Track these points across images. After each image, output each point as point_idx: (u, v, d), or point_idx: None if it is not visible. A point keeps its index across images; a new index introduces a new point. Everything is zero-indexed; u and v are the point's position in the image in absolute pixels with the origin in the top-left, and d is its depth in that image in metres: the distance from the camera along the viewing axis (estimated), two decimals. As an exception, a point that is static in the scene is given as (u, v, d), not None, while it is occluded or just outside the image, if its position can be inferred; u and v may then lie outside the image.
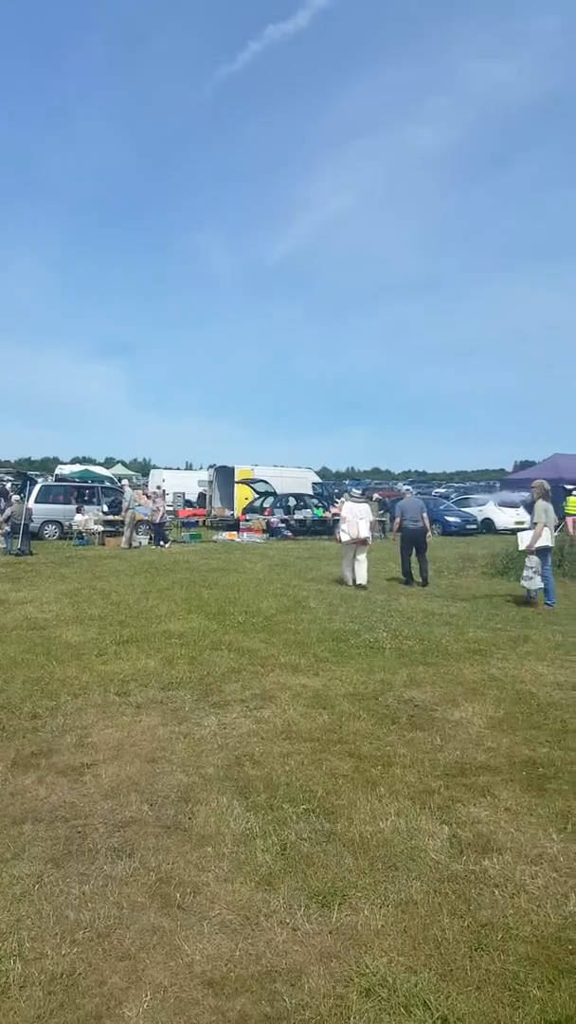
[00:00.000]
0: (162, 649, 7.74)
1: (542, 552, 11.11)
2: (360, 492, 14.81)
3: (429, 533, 13.68)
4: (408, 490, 16.66)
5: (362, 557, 12.98)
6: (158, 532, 20.62)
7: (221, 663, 7.21)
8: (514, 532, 25.75)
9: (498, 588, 13.16)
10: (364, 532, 12.76)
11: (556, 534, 15.01)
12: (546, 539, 11.04)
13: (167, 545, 20.27)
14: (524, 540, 11.44)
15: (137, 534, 21.00)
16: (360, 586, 12.75)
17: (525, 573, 11.00)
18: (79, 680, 6.53)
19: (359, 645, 8.13)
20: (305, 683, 6.57)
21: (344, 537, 12.91)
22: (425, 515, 13.51)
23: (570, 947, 2.86)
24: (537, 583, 10.89)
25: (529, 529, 11.56)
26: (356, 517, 12.80)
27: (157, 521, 20.60)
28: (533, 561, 10.97)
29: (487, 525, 28.36)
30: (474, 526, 27.51)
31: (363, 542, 12.83)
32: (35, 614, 9.62)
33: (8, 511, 17.77)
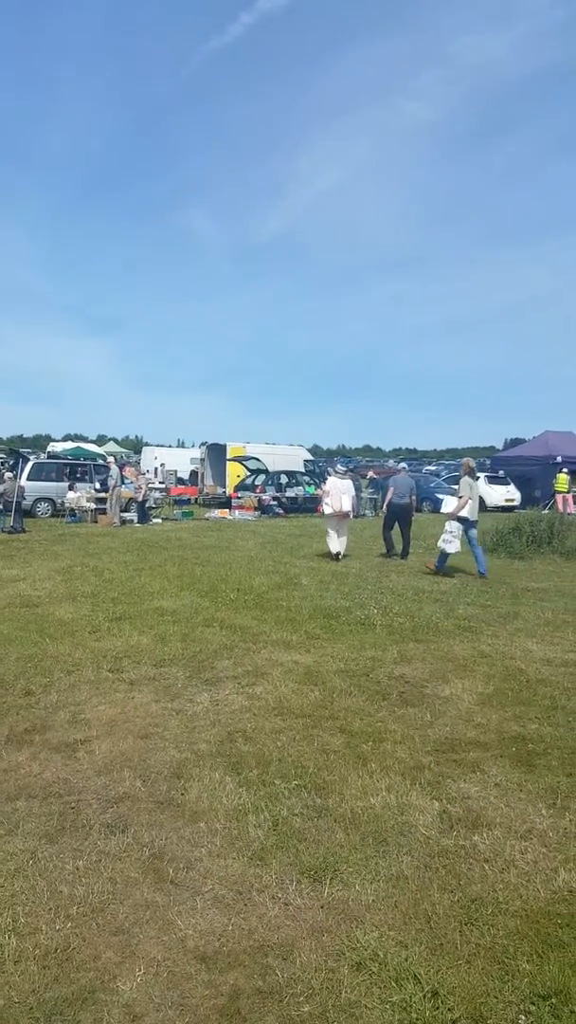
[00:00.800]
0: (155, 626, 7.75)
1: (465, 522, 11.90)
2: (344, 469, 15.34)
3: (414, 512, 14.36)
4: (403, 468, 16.95)
5: (343, 529, 13.62)
6: (140, 510, 20.56)
7: (213, 640, 7.23)
8: (504, 510, 25.95)
9: (488, 565, 13.20)
10: (346, 506, 13.42)
11: (547, 511, 15.14)
12: (468, 511, 11.87)
13: (148, 523, 20.23)
14: (448, 506, 12.52)
15: (128, 512, 21.00)
16: (339, 555, 13.34)
17: (444, 536, 11.74)
18: (72, 657, 6.54)
19: (350, 622, 8.17)
20: (297, 660, 6.59)
21: (327, 509, 13.69)
22: (414, 495, 14.23)
23: (559, 921, 2.90)
24: (454, 547, 11.66)
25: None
26: (339, 492, 13.42)
27: (139, 499, 20.62)
28: (453, 527, 11.74)
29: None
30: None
31: (345, 515, 13.46)
32: (28, 591, 9.61)
33: (0, 488, 17.67)
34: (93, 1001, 2.47)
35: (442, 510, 12.61)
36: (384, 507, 14.58)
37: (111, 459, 23.15)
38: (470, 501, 11.88)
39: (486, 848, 3.46)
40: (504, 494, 28.44)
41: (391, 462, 75.41)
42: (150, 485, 26.50)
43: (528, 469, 30.09)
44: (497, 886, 3.15)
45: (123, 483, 21.66)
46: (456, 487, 12.98)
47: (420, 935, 2.81)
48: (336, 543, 13.49)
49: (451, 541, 11.63)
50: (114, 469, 20.76)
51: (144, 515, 20.59)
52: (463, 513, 11.84)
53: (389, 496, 14.20)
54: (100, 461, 28.21)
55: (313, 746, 4.65)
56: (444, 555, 11.84)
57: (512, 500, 28.08)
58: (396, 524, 14.17)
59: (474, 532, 12.12)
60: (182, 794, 3.98)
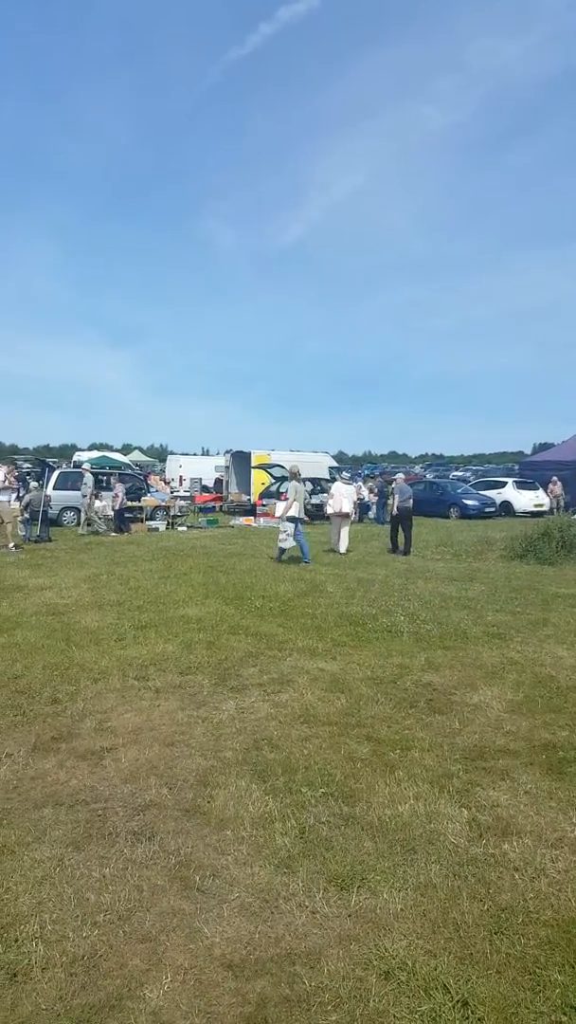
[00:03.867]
0: (180, 634, 7.77)
1: (294, 520, 13.87)
2: (349, 476, 18.53)
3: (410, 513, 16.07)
4: (400, 476, 18.86)
5: (344, 529, 15.61)
6: (118, 518, 20.28)
7: (239, 647, 7.23)
8: (534, 515, 25.76)
9: (517, 571, 13.10)
10: (346, 508, 15.57)
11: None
12: (295, 511, 13.86)
13: (126, 532, 19.97)
14: (278, 509, 15.20)
15: (154, 520, 21.09)
16: (340, 551, 15.32)
17: (280, 536, 14.00)
18: (98, 665, 6.57)
19: (377, 629, 8.12)
20: (323, 667, 6.57)
21: (329, 510, 15.92)
22: (410, 499, 16.14)
23: (591, 931, 2.85)
24: (289, 543, 13.78)
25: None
26: (341, 495, 15.53)
27: (116, 507, 20.23)
28: (287, 527, 13.83)
29: (506, 508, 28.21)
30: (492, 509, 27.34)
31: (345, 515, 15.57)
32: (55, 600, 9.67)
33: (27, 498, 17.83)
34: (120, 1009, 2.46)
35: (276, 513, 15.57)
36: (395, 510, 16.18)
37: (86, 466, 22.76)
38: (296, 502, 13.94)
39: (516, 856, 3.41)
40: (533, 499, 28.23)
41: (417, 468, 75.30)
42: (174, 493, 26.63)
43: (559, 474, 29.81)
44: (527, 895, 3.10)
45: (149, 491, 21.78)
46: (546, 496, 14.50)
47: (449, 944, 2.78)
48: (341, 542, 15.44)
49: (285, 539, 13.81)
50: (87, 476, 20.24)
51: (123, 523, 20.21)
52: (292, 513, 13.84)
53: (395, 501, 16.09)
54: (127, 470, 28.39)
55: (340, 754, 4.62)
56: (281, 550, 14.00)
57: (541, 505, 27.85)
58: (400, 524, 15.95)
59: (301, 527, 14.17)
60: (208, 802, 3.97)
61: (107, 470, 27.56)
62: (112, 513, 20.70)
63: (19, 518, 18.02)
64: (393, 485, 17.18)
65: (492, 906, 3.02)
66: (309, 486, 26.81)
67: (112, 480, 21.25)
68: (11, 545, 15.45)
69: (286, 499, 14.39)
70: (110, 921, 2.92)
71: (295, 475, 14.73)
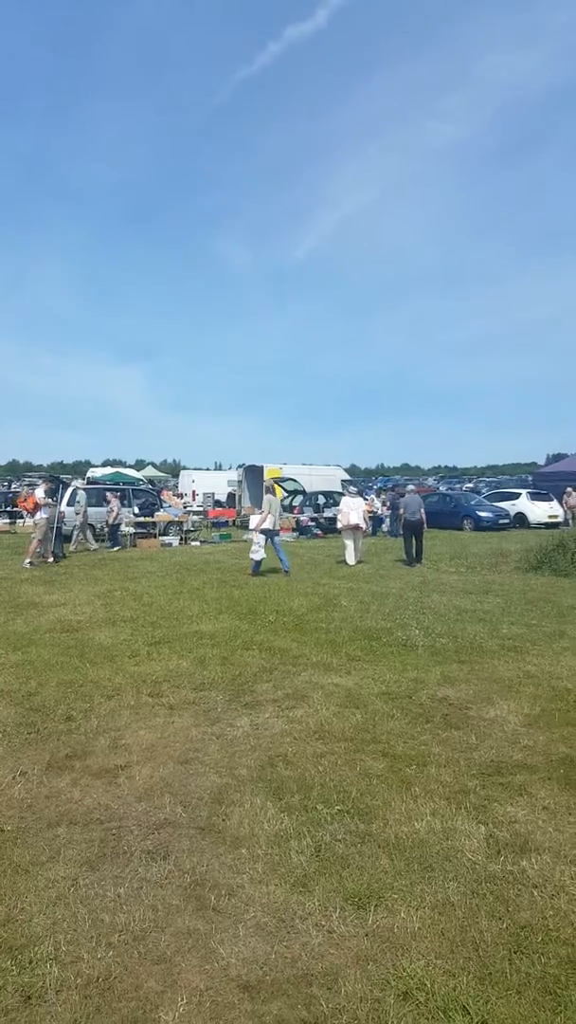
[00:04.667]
0: (194, 650, 7.76)
1: (268, 532, 14.37)
2: (356, 490, 18.50)
3: (424, 525, 16.44)
4: (411, 489, 18.97)
5: (356, 541, 16.06)
6: (112, 533, 20.27)
7: (253, 663, 7.21)
8: (548, 527, 25.62)
9: (532, 583, 13.03)
10: (355, 520, 15.92)
11: None
12: (269, 523, 14.36)
13: (118, 548, 19.90)
14: (253, 522, 15.25)
15: (167, 535, 21.12)
16: (351, 563, 15.75)
17: (252, 548, 14.30)
18: (112, 682, 6.56)
19: (391, 643, 8.08)
20: (337, 682, 6.53)
21: (339, 524, 16.56)
22: (423, 510, 16.43)
23: (612, 950, 2.80)
24: (260, 554, 14.06)
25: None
26: (350, 509, 15.97)
27: (111, 522, 20.27)
28: (260, 539, 14.22)
29: (520, 520, 28.08)
30: (506, 521, 27.23)
31: (355, 528, 15.96)
32: (68, 616, 9.69)
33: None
34: (135, 1032, 2.44)
35: (250, 526, 15.86)
36: (400, 522, 16.90)
37: (78, 482, 22.33)
38: (271, 515, 14.40)
39: (535, 873, 3.37)
40: (547, 511, 28.10)
41: (430, 480, 75.19)
42: (187, 508, 26.66)
43: (572, 484, 29.69)
44: (547, 913, 3.05)
45: (163, 507, 21.81)
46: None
47: (468, 964, 2.73)
48: (352, 555, 15.89)
49: (257, 551, 14.11)
50: (80, 494, 20.15)
51: (116, 540, 20.11)
52: (266, 525, 14.31)
53: (403, 514, 16.54)
54: (140, 485, 28.47)
55: (355, 770, 4.58)
56: (256, 562, 14.11)
57: (555, 516, 27.72)
58: (412, 536, 16.22)
59: (277, 539, 14.68)
60: (223, 820, 3.94)
61: (120, 485, 27.67)
62: (128, 529, 20.75)
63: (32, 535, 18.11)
64: (402, 498, 17.74)
65: (511, 924, 2.97)
66: (322, 499, 26.89)
67: (165, 495, 21.21)
68: (43, 557, 16.18)
69: (261, 512, 14.93)
70: (125, 942, 2.90)
71: (269, 489, 15.50)
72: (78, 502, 19.75)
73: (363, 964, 2.75)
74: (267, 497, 14.84)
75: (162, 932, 2.97)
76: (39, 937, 2.92)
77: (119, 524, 20.23)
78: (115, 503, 20.45)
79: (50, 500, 16.53)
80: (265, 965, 2.76)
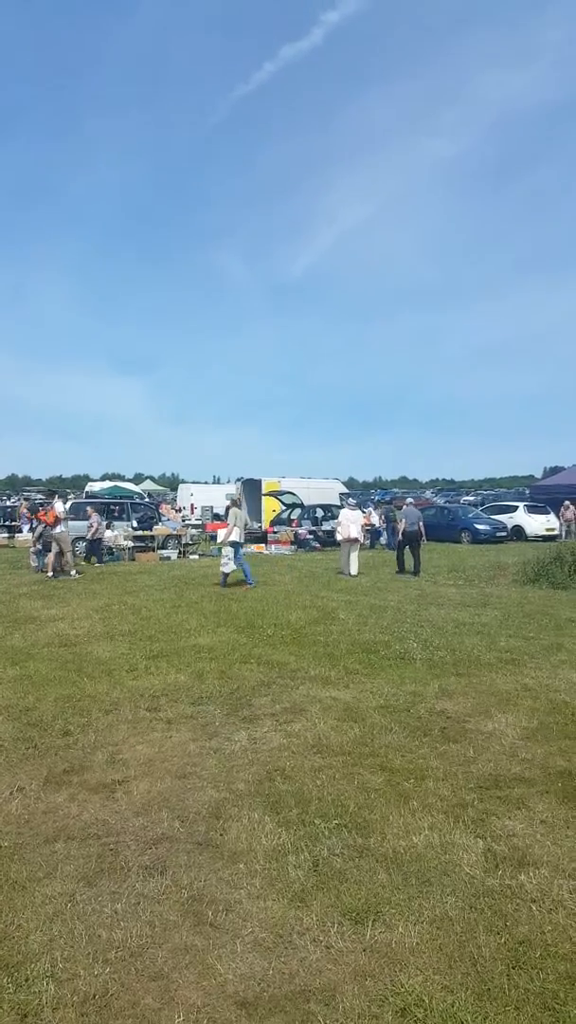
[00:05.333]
0: (192, 663, 7.75)
1: (235, 545, 14.59)
2: (355, 503, 19.51)
3: (423, 537, 17.07)
4: (409, 501, 19.51)
5: (354, 553, 16.47)
6: (93, 548, 19.62)
7: (251, 677, 7.20)
8: (545, 540, 25.64)
9: (530, 596, 13.03)
10: (354, 533, 16.53)
11: None
12: (236, 536, 14.60)
13: (103, 563, 19.45)
14: (220, 535, 15.58)
15: (166, 549, 21.10)
16: (351, 575, 16.13)
17: (222, 560, 14.64)
18: (110, 696, 6.55)
19: (389, 656, 8.08)
20: (335, 696, 6.53)
21: (339, 536, 16.95)
22: (421, 523, 17.05)
23: (611, 964, 2.79)
24: (230, 567, 14.38)
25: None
26: (349, 521, 16.60)
27: (90, 537, 19.54)
28: (228, 551, 14.49)
29: (517, 532, 28.10)
30: (504, 533, 27.25)
31: (354, 540, 16.48)
32: (66, 631, 9.67)
33: (39, 529, 17.89)
34: (132, 1049, 2.43)
35: (217, 539, 16.47)
36: (400, 535, 17.24)
37: (59, 500, 21.84)
38: (236, 528, 14.66)
39: (533, 888, 3.36)
40: (544, 523, 28.12)
41: (428, 493, 75.27)
42: (186, 521, 26.65)
43: (569, 497, 29.72)
44: (545, 927, 3.05)
45: (161, 520, 21.81)
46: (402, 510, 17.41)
47: (466, 979, 2.73)
48: (351, 566, 16.32)
49: (227, 563, 14.44)
50: (59, 505, 19.51)
51: (96, 553, 19.54)
52: (233, 538, 14.56)
53: (402, 526, 17.07)
54: (137, 499, 28.48)
55: (353, 784, 4.57)
56: (224, 575, 14.40)
57: (553, 529, 27.75)
58: (408, 547, 16.84)
59: (241, 551, 14.94)
60: (221, 835, 3.93)
61: (119, 499, 27.67)
62: (126, 543, 20.74)
63: (31, 549, 18.08)
64: (401, 510, 18.08)
65: (509, 939, 2.97)
66: (320, 512, 26.91)
67: (163, 508, 21.08)
68: (70, 571, 16.38)
69: (227, 525, 15.16)
70: (122, 958, 2.89)
71: (236, 502, 15.89)
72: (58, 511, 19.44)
73: (361, 980, 2.75)
74: (233, 510, 15.21)
75: (159, 948, 2.95)
76: (36, 954, 2.91)
77: (100, 539, 19.77)
78: (95, 517, 19.95)
79: (71, 514, 16.68)
80: (263, 981, 2.75)
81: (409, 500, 20.97)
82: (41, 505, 25.47)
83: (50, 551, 17.16)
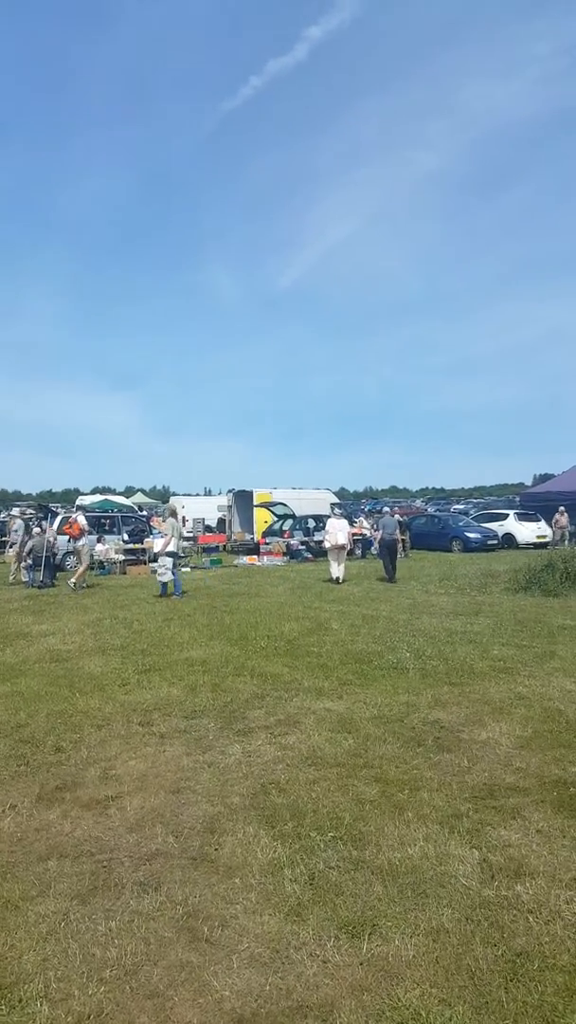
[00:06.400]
0: (185, 677, 7.71)
1: (172, 555, 14.97)
2: (341, 512, 20.38)
3: (400, 543, 18.23)
4: (386, 511, 20.59)
5: (341, 560, 17.03)
6: (48, 565, 17.54)
7: (244, 689, 7.18)
8: (536, 547, 25.70)
9: (522, 604, 13.05)
10: (341, 540, 17.02)
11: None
12: (173, 546, 15.05)
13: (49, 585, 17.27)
14: (157, 545, 15.88)
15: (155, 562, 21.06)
16: (339, 580, 16.73)
17: (159, 571, 14.94)
18: (102, 711, 6.51)
19: (383, 666, 8.07)
20: (329, 707, 6.51)
21: (326, 544, 17.65)
22: (398, 531, 18.04)
23: (608, 974, 2.78)
24: (168, 576, 14.68)
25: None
26: (336, 529, 17.22)
27: (44, 554, 17.42)
28: (166, 561, 14.79)
29: (508, 540, 28.15)
30: (495, 542, 27.30)
31: (341, 547, 17.03)
32: (58, 646, 9.63)
33: (29, 543, 17.83)
34: (128, 1070, 2.40)
35: (154, 550, 16.80)
36: (377, 543, 18.19)
37: (15, 511, 21.27)
38: (174, 538, 15.10)
39: (529, 898, 3.35)
40: (535, 531, 28.17)
41: (418, 502, 75.43)
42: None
43: (559, 504, 29.79)
44: (543, 939, 3.03)
45: (152, 534, 21.74)
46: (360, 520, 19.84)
47: (464, 992, 2.71)
48: (335, 569, 16.90)
49: (164, 573, 14.74)
50: (18, 523, 18.84)
51: (50, 573, 17.62)
52: (171, 548, 14.96)
53: (380, 534, 17.88)
54: (129, 513, 28.42)
55: (348, 796, 4.56)
56: (163, 584, 14.78)
57: (544, 537, 27.80)
58: (389, 554, 17.43)
59: (178, 561, 15.59)
60: (216, 849, 3.91)
61: (110, 513, 27.58)
62: (117, 557, 20.66)
63: (23, 564, 18.00)
64: (380, 519, 19.00)
65: (506, 951, 2.95)
66: (312, 523, 26.90)
67: (155, 522, 20.98)
68: (83, 583, 16.68)
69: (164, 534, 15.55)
70: (116, 977, 2.86)
71: (173, 513, 16.34)
72: (15, 531, 19.12)
73: (358, 994, 2.73)
74: (169, 520, 15.62)
75: (154, 966, 2.93)
76: (29, 974, 2.87)
77: (52, 555, 18.18)
78: (50, 532, 18.49)
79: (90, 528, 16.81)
80: (259, 997, 2.73)
81: (385, 509, 21.65)
82: (31, 520, 25.37)
83: (40, 566, 17.10)
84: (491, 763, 5.09)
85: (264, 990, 2.77)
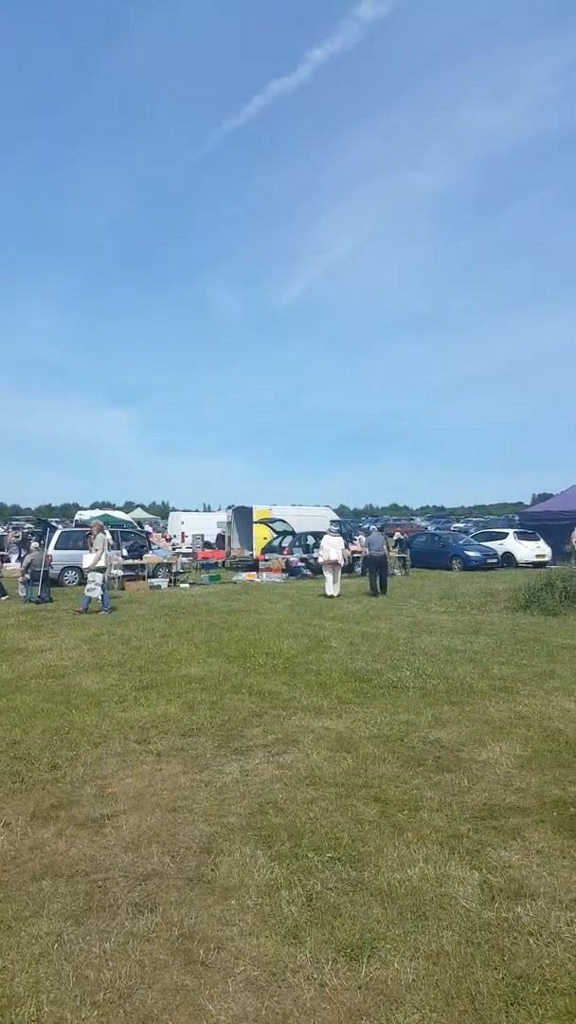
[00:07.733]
0: (182, 694, 7.67)
1: (102, 571, 15.30)
2: (336, 529, 20.31)
3: (387, 559, 18.98)
4: (372, 529, 21.39)
5: (335, 575, 17.74)
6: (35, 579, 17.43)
7: (242, 707, 7.13)
8: (536, 566, 25.65)
9: (522, 623, 13.01)
10: (334, 556, 17.77)
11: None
12: (103, 562, 15.40)
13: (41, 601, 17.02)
14: (87, 561, 15.74)
15: (156, 577, 21.01)
16: (332, 596, 17.38)
17: (88, 586, 15.22)
18: (99, 728, 6.46)
19: (382, 685, 8.02)
20: (328, 726, 6.46)
21: (320, 560, 18.52)
22: (384, 547, 18.75)
23: (611, 1000, 2.73)
24: (97, 592, 15.00)
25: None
26: (330, 545, 17.99)
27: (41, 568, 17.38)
28: (97, 577, 15.12)
29: (508, 559, 28.11)
30: (495, 560, 27.25)
31: (335, 563, 17.75)
32: (55, 662, 9.57)
33: (28, 558, 17.77)
34: None
35: (83, 565, 16.66)
36: (363, 558, 19.17)
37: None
38: (104, 554, 15.50)
39: (530, 920, 3.30)
40: (535, 550, 28.11)
41: (418, 520, 75.44)
42: (176, 549, 26.56)
43: (559, 524, 29.73)
44: (543, 961, 2.98)
45: (151, 549, 21.71)
46: (359, 537, 21.93)
47: (464, 1017, 2.66)
48: (330, 586, 17.61)
49: (94, 588, 15.02)
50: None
51: (47, 588, 17.36)
52: (101, 564, 15.26)
53: (366, 552, 18.92)
54: (129, 528, 28.38)
55: (347, 816, 4.51)
56: (88, 599, 15.04)
57: (543, 556, 27.75)
58: (377, 571, 18.15)
59: (105, 577, 15.68)
60: (212, 870, 3.86)
61: (109, 528, 27.51)
62: (116, 572, 20.60)
63: (19, 579, 17.95)
64: (367, 536, 19.88)
65: (507, 974, 2.90)
66: (311, 540, 26.87)
67: (154, 537, 20.95)
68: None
69: (95, 550, 15.61)
70: (110, 1000, 2.81)
71: (101, 529, 16.44)
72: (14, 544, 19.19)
73: (356, 1019, 2.68)
74: (99, 536, 15.80)
75: (149, 989, 2.88)
76: (21, 997, 2.82)
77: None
78: (34, 548, 18.30)
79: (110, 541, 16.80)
80: (255, 1022, 2.68)
81: (371, 528, 22.55)
82: (30, 535, 25.31)
83: (38, 581, 17.04)
84: (491, 783, 5.05)
85: (260, 1014, 2.72)
